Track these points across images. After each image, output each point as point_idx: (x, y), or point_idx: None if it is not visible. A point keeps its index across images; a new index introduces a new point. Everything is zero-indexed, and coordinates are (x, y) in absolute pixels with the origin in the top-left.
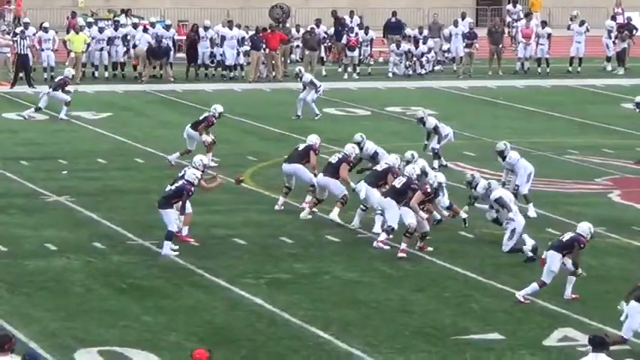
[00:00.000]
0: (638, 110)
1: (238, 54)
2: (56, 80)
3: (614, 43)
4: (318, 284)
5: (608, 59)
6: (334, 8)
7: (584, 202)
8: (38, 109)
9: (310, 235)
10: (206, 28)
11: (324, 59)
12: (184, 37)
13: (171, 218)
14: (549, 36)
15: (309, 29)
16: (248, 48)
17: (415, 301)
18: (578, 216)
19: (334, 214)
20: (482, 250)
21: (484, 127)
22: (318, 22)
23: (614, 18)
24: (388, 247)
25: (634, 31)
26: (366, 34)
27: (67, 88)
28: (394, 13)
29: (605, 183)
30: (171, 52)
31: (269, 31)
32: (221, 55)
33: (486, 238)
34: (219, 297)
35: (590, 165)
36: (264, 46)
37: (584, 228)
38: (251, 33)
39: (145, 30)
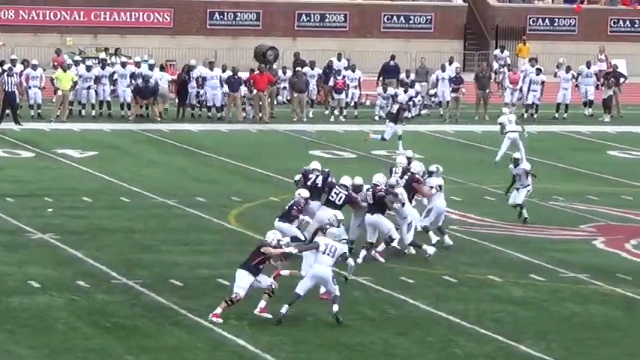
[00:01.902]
0: (512, 166)
1: (225, 94)
2: (393, 110)
3: (597, 88)
4: (301, 326)
5: (585, 104)
6: (322, 50)
7: (568, 248)
8: (383, 140)
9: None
10: (191, 68)
11: (314, 101)
12: (172, 77)
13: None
14: (543, 83)
15: (295, 71)
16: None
17: (398, 344)
18: (561, 262)
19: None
20: (465, 294)
21: (470, 171)
22: (312, 64)
23: (588, 64)
24: (383, 260)
25: (620, 79)
26: (353, 72)
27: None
28: (392, 57)
29: (589, 230)
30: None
31: (257, 72)
32: (205, 95)
33: (469, 282)
34: (202, 337)
35: (574, 212)
36: (243, 87)
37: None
38: (228, 74)
39: (163, 69)
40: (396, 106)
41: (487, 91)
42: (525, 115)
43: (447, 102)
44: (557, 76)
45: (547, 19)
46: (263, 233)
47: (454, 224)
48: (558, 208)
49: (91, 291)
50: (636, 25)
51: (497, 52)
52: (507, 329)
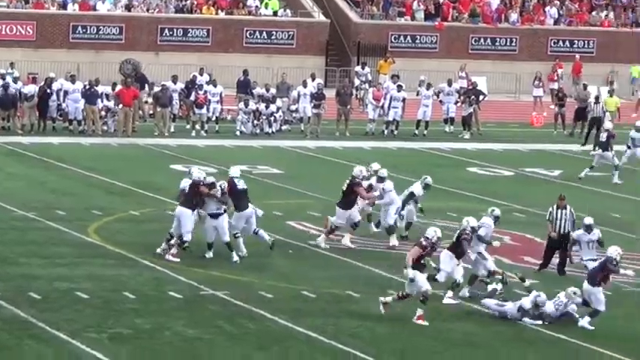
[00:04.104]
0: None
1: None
2: (603, 139)
3: (459, 104)
4: (159, 340)
5: (445, 121)
6: (185, 64)
7: None
8: (592, 168)
9: (152, 290)
10: (52, 81)
11: (176, 116)
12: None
13: None
14: (404, 100)
15: (160, 86)
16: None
17: (257, 359)
18: None
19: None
20: (324, 309)
21: (330, 187)
22: (174, 79)
23: (449, 82)
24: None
25: (480, 97)
26: (215, 87)
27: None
28: (245, 72)
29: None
30: (19, 104)
31: (123, 87)
32: (67, 107)
33: (328, 298)
34: (61, 351)
35: None
36: (105, 100)
37: None
38: (87, 86)
39: (34, 81)
40: (605, 134)
41: (348, 107)
42: (386, 132)
43: (309, 118)
44: (419, 95)
45: (409, 36)
46: (123, 247)
47: (313, 240)
48: (418, 224)
49: None
50: (497, 44)
51: (358, 68)
52: (365, 345)
